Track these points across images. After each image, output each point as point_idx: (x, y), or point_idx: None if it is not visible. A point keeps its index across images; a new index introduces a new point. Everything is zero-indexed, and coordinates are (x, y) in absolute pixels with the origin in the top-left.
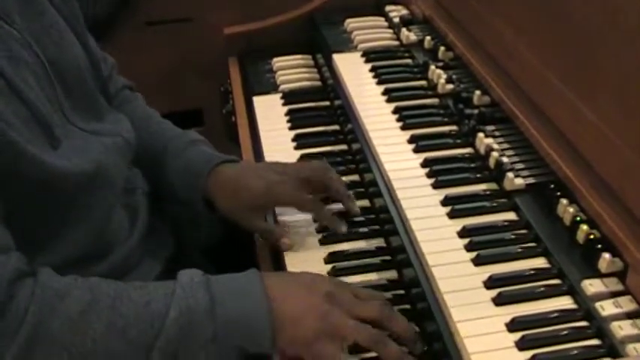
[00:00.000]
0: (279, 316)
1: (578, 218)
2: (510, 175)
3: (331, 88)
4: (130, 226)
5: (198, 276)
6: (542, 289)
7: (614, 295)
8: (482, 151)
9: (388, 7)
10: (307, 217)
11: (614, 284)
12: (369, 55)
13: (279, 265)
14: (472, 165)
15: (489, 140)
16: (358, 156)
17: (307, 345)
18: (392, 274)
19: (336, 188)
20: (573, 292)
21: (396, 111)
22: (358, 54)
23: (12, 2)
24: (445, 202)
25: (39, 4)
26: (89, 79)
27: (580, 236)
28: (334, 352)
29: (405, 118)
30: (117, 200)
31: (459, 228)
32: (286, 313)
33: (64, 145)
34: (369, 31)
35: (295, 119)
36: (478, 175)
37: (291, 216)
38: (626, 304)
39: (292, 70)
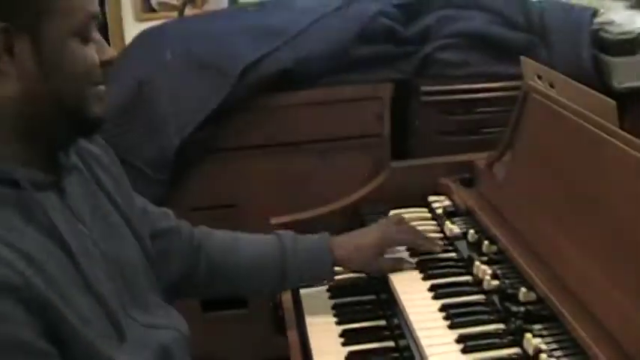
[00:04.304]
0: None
1: None
2: None
3: (377, 282)
4: None
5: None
6: None
7: None
8: (530, 351)
9: (431, 198)
10: None
11: None
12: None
13: None
14: None
15: (537, 340)
16: (405, 353)
17: None
18: None
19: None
20: None
21: (442, 309)
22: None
23: (83, 204)
24: None
25: (104, 205)
26: (142, 275)
27: None
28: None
29: (452, 316)
30: None
31: None
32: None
33: (129, 339)
34: (413, 223)
35: (342, 314)
36: None
37: None
38: None
39: None
